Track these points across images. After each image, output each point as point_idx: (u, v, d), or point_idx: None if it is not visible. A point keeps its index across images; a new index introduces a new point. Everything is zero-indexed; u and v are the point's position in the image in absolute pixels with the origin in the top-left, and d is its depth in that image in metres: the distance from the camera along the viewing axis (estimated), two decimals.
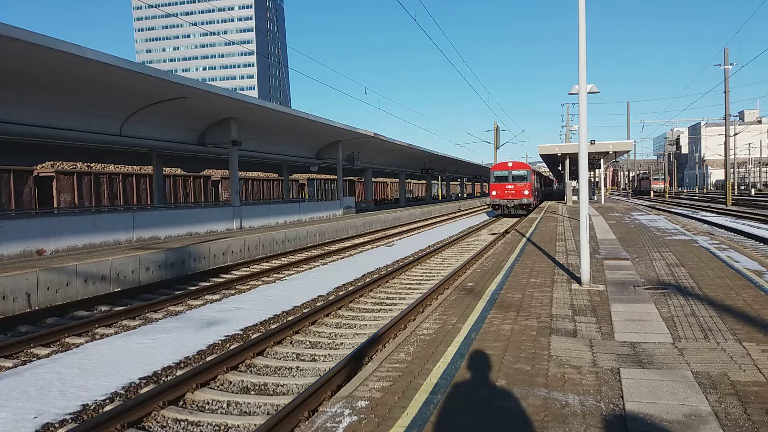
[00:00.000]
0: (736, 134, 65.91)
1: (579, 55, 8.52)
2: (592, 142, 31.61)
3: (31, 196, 24.25)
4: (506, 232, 22.34)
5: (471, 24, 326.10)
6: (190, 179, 36.33)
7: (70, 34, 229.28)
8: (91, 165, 31.94)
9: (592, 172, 50.98)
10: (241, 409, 5.65)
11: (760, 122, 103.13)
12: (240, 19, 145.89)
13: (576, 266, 10.39)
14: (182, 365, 7.02)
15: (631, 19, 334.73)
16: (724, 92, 39.25)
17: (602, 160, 40.27)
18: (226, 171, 41.23)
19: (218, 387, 6.26)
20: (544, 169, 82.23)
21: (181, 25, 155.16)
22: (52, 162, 28.51)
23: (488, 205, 36.37)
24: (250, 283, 13.01)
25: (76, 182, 27.69)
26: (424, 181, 70.29)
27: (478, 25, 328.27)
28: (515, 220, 30.59)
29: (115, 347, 7.74)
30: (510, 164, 34.80)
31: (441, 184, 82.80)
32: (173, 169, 36.76)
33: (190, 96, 18.33)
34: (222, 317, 9.45)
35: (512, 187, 33.93)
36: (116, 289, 12.10)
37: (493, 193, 34.54)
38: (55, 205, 25.98)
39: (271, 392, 6.13)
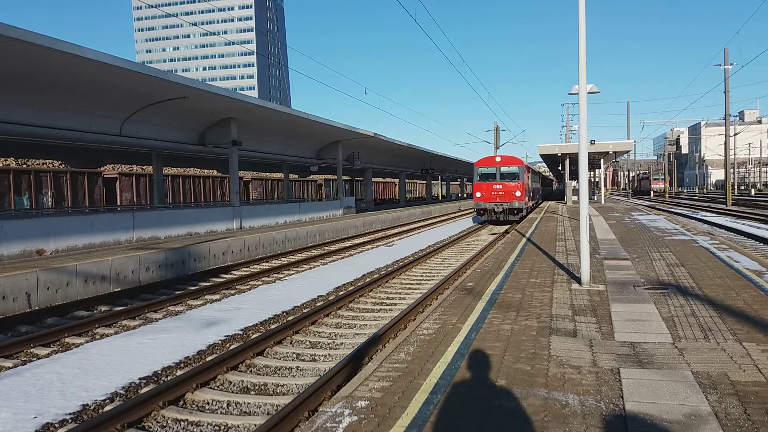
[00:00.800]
0: (736, 134, 65.92)
1: (579, 55, 8.52)
2: (592, 142, 31.61)
3: (100, 194, 28.01)
4: (506, 232, 22.35)
5: (471, 24, 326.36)
6: (226, 180, 39.96)
7: (71, 34, 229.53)
8: (145, 167, 35.00)
9: (592, 172, 50.99)
10: (241, 409, 5.65)
11: (760, 122, 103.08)
12: (240, 19, 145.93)
13: (576, 266, 10.39)
14: (182, 365, 7.02)
15: (631, 20, 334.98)
16: (724, 92, 39.26)
17: (602, 160, 40.27)
18: (256, 173, 44.93)
19: (218, 387, 6.26)
20: (544, 169, 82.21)
21: (181, 25, 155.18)
22: (114, 165, 31.21)
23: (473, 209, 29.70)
24: (250, 283, 13.01)
25: (135, 183, 30.98)
26: (425, 181, 70.31)
27: (478, 25, 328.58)
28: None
29: (115, 347, 7.74)
30: (498, 159, 28.70)
31: (441, 184, 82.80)
32: (211, 171, 41.15)
33: (190, 96, 18.34)
34: (222, 317, 9.45)
35: (500, 187, 27.90)
36: (116, 289, 12.10)
37: (477, 194, 28.51)
38: (118, 202, 29.49)
39: (271, 392, 6.13)
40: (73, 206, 25.60)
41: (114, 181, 29.67)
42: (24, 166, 25.57)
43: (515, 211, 27.92)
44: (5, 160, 26.60)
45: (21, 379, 6.46)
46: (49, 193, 24.95)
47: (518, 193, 27.75)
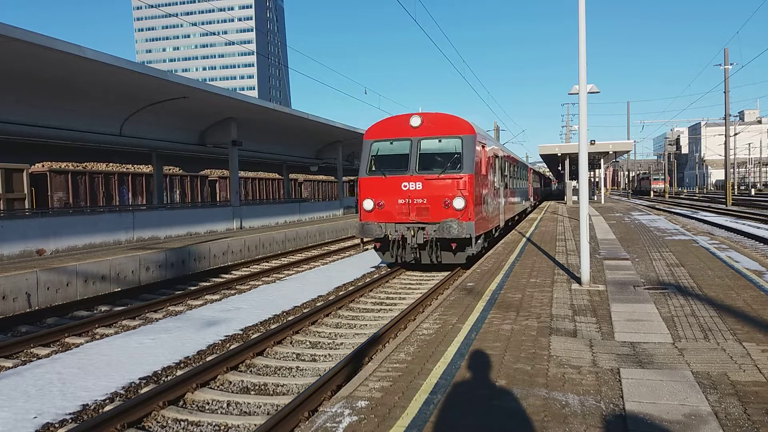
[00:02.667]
0: (736, 134, 65.96)
1: (579, 55, 8.53)
2: (592, 142, 31.61)
3: (206, 192, 34.93)
4: (506, 232, 22.30)
5: (471, 24, 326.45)
6: (282, 182, 44.72)
7: (70, 34, 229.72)
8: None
9: (592, 172, 50.99)
10: (241, 409, 5.65)
11: (760, 122, 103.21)
12: (240, 19, 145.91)
13: (576, 266, 10.39)
14: (182, 365, 7.02)
15: (631, 19, 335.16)
16: (724, 92, 39.27)
17: (602, 160, 40.27)
18: (308, 175, 48.16)
19: (218, 387, 6.26)
20: (544, 168, 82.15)
21: (181, 25, 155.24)
22: (211, 169, 37.84)
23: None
24: (250, 283, 13.02)
25: (229, 184, 38.14)
26: None
27: (478, 25, 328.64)
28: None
29: (115, 347, 7.74)
30: (415, 121, 12.96)
31: None
32: (271, 173, 44.91)
33: (190, 96, 18.34)
34: (222, 317, 9.45)
35: (419, 186, 12.65)
36: (116, 289, 12.10)
37: (367, 203, 13.04)
38: (218, 199, 36.90)
39: (271, 392, 6.13)
40: (192, 201, 32.61)
41: (215, 182, 37.15)
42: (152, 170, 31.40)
43: (457, 245, 12.43)
44: (147, 166, 30.99)
45: (21, 379, 6.46)
46: (177, 192, 31.77)
47: (460, 202, 12.26)
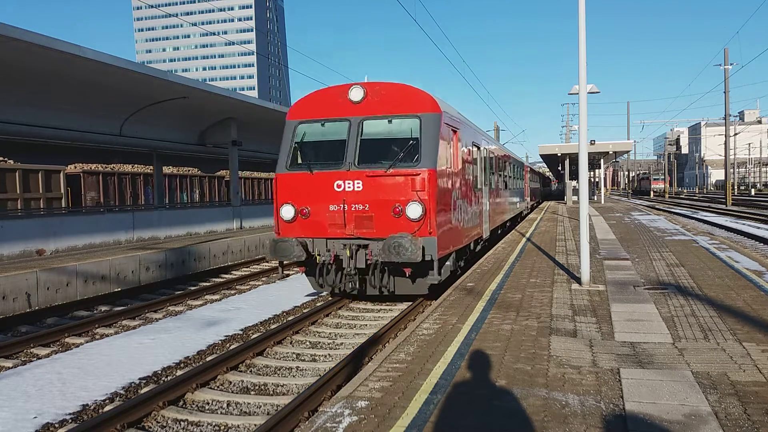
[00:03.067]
0: (736, 134, 66.00)
1: (579, 54, 8.53)
2: (592, 142, 31.60)
3: (223, 192, 36.69)
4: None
5: (470, 22, 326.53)
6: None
7: (70, 33, 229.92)
8: (247, 172, 43.36)
9: (592, 172, 50.98)
10: (241, 409, 5.65)
11: (760, 122, 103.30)
12: (240, 19, 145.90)
13: (576, 266, 10.39)
14: (182, 365, 7.02)
15: (631, 18, 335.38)
16: (724, 92, 39.28)
17: (602, 160, 40.27)
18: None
19: (218, 387, 6.26)
20: (543, 168, 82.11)
21: (181, 25, 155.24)
22: (227, 170, 39.19)
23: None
24: (250, 283, 13.02)
25: (243, 184, 40.50)
26: None
27: (477, 23, 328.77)
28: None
29: (115, 347, 7.74)
30: (355, 95, 9.24)
31: None
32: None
33: (190, 96, 18.33)
34: (222, 317, 9.45)
35: (358, 187, 8.93)
36: (116, 289, 12.10)
37: (286, 212, 9.26)
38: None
39: (271, 392, 6.13)
40: (209, 201, 34.03)
41: (229, 182, 39.03)
42: (180, 172, 32.86)
43: (410, 270, 8.83)
44: (173, 168, 32.83)
45: (21, 379, 6.46)
46: (197, 192, 33.51)
47: (416, 209, 8.60)
